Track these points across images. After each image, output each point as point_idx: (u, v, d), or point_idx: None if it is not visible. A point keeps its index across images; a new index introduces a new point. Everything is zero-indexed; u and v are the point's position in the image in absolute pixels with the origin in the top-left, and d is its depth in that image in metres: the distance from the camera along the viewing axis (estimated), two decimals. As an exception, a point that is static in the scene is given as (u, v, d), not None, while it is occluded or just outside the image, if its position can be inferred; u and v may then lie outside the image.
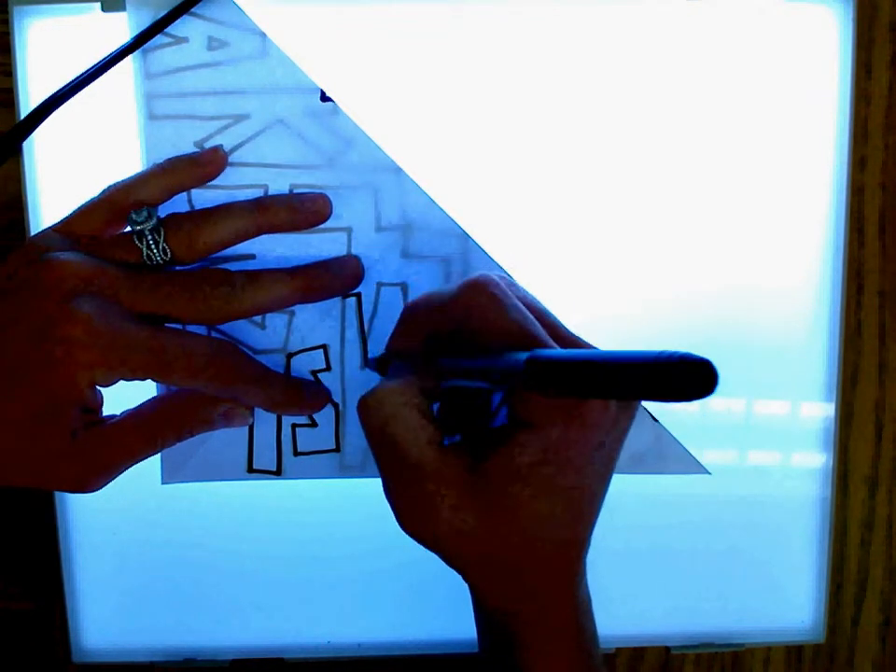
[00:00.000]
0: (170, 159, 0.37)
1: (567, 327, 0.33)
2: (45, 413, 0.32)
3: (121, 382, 0.34)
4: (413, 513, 0.31)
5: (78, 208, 0.35)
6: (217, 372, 0.34)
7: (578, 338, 0.32)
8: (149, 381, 0.34)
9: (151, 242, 0.34)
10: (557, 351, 0.29)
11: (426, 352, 0.33)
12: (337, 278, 0.37)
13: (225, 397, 0.36)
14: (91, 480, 0.34)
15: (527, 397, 0.30)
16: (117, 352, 0.32)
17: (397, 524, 0.32)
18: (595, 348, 0.32)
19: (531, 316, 0.31)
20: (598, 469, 0.31)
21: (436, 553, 0.32)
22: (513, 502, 0.30)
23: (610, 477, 0.32)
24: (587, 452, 0.31)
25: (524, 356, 0.27)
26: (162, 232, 0.34)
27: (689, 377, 0.22)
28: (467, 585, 0.33)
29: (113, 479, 0.35)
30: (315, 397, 0.38)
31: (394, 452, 0.31)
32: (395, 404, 0.31)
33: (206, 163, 0.37)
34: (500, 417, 0.35)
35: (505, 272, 0.38)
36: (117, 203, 0.35)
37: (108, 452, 0.34)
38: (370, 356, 0.39)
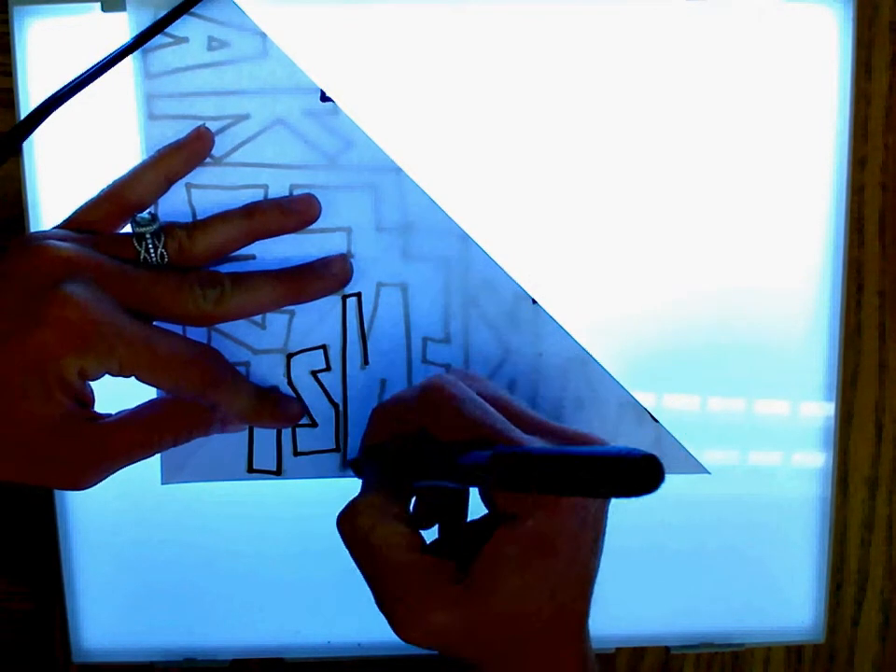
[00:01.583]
0: (158, 150, 0.37)
1: (531, 411, 0.33)
2: (33, 399, 0.32)
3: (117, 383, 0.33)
4: (407, 622, 0.31)
5: (80, 207, 0.36)
6: (199, 377, 0.34)
7: (546, 422, 0.32)
8: (142, 386, 0.34)
9: (150, 246, 0.34)
10: (518, 448, 0.29)
11: (396, 453, 0.33)
12: (322, 279, 0.37)
13: (201, 403, 0.35)
14: (83, 477, 0.34)
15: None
16: (109, 343, 0.32)
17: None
18: (565, 429, 0.32)
19: (491, 409, 0.31)
20: (586, 542, 0.31)
21: (440, 653, 0.32)
22: (506, 597, 0.30)
23: (602, 540, 0.32)
24: (571, 532, 0.31)
25: (486, 454, 0.28)
26: (162, 238, 0.34)
27: (636, 473, 0.23)
28: None
29: (105, 478, 0.35)
30: (289, 411, 0.38)
31: (377, 563, 0.31)
32: (373, 516, 0.32)
33: (193, 143, 0.37)
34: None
35: (512, 278, 0.38)
36: (116, 200, 0.35)
37: (104, 449, 0.34)
38: (348, 457, 0.39)
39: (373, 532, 0.31)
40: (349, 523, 0.32)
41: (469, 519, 0.35)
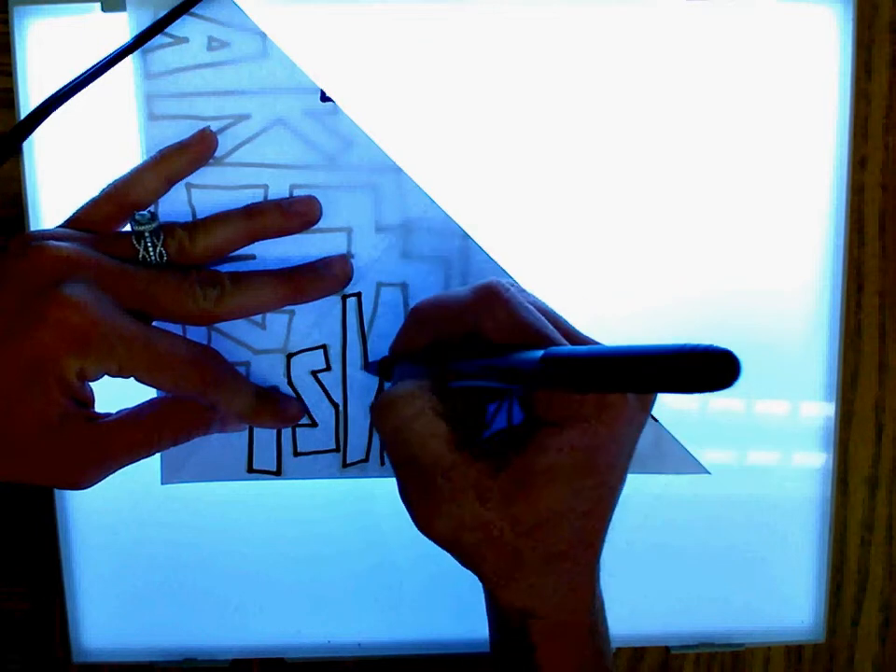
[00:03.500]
0: (161, 150, 0.37)
1: (578, 330, 0.33)
2: (33, 399, 0.32)
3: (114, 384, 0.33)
4: (432, 515, 0.31)
5: (81, 207, 0.36)
6: (199, 377, 0.34)
7: (590, 340, 0.33)
8: (142, 386, 0.34)
9: (150, 245, 0.34)
10: (572, 347, 0.29)
11: (433, 354, 0.33)
12: (322, 279, 0.37)
13: (201, 403, 0.35)
14: (83, 476, 0.34)
15: (547, 396, 0.30)
16: (109, 344, 0.32)
17: (413, 525, 0.32)
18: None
19: (544, 319, 0.31)
20: (618, 465, 0.32)
21: (453, 554, 0.32)
22: (537, 503, 0.30)
23: (627, 470, 0.32)
24: (610, 449, 0.31)
25: (538, 353, 0.28)
26: (161, 237, 0.34)
27: (714, 368, 0.22)
28: (474, 586, 0.33)
29: (104, 477, 0.35)
30: (289, 411, 0.38)
31: (410, 455, 0.31)
32: (409, 407, 0.31)
33: (195, 145, 0.37)
34: (498, 421, 0.35)
35: (511, 277, 0.38)
36: (117, 200, 0.35)
37: (104, 448, 0.34)
38: (370, 358, 0.39)
39: (413, 423, 0.31)
40: (384, 413, 0.32)
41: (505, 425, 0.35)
